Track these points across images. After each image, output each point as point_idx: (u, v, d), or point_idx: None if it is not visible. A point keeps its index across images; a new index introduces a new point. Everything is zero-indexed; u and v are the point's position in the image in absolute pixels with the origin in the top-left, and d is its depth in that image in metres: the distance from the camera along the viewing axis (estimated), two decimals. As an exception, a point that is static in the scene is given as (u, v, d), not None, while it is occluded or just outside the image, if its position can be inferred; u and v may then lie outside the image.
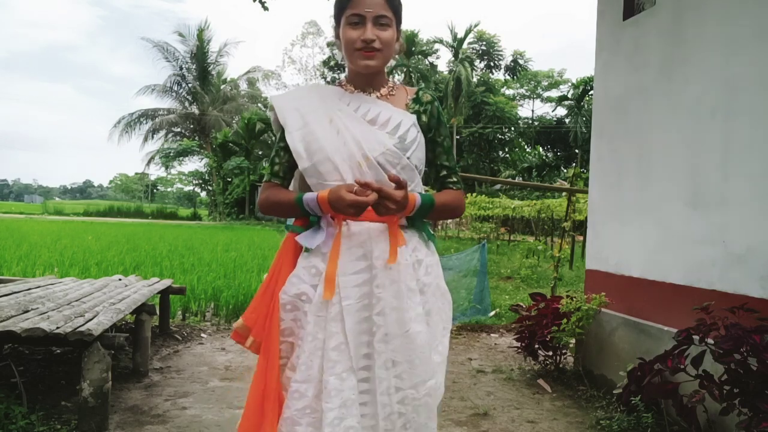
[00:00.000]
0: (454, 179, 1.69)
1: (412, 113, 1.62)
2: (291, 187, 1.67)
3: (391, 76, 1.75)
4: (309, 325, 1.49)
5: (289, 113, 1.60)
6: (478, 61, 40.84)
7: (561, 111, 39.89)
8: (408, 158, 1.55)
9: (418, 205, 1.52)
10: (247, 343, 1.59)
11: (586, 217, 4.87)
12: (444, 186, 1.69)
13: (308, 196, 1.51)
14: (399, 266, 1.50)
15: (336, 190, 1.44)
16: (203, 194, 54.14)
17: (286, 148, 1.59)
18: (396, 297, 1.49)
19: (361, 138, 1.53)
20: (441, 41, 39.04)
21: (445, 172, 1.68)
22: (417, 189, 1.61)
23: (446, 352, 1.62)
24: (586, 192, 4.86)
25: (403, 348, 1.48)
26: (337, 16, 1.58)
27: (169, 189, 78.58)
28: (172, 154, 43.85)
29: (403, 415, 1.48)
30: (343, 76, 1.70)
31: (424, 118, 1.64)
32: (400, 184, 1.44)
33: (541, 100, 42.67)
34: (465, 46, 38.94)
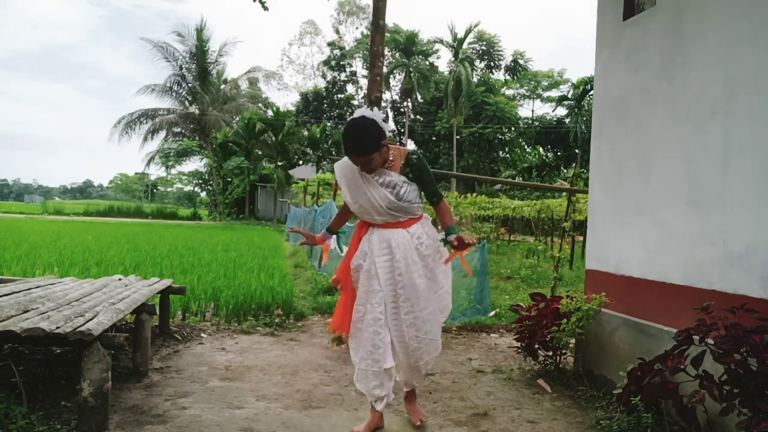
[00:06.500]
0: (439, 197, 2.93)
1: (404, 174, 2.82)
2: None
3: (392, 144, 2.91)
4: (362, 278, 2.91)
5: (340, 178, 2.88)
6: (478, 61, 40.83)
7: (561, 111, 39.89)
8: (400, 203, 2.81)
9: (454, 230, 2.85)
10: (339, 286, 3.08)
11: (586, 217, 4.87)
12: (435, 203, 2.94)
13: (329, 230, 3.22)
14: (407, 249, 2.82)
15: (311, 238, 3.21)
16: (203, 194, 54.08)
17: None
18: (406, 265, 2.81)
19: (376, 195, 2.80)
20: (441, 41, 39.03)
21: (434, 198, 2.93)
22: (416, 211, 2.90)
23: (449, 289, 3.04)
24: (586, 192, 4.86)
25: (413, 292, 2.82)
26: None
27: (169, 189, 78.40)
28: (172, 154, 43.85)
29: (414, 325, 2.84)
30: None
31: (411, 175, 2.83)
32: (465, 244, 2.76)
33: (541, 100, 42.64)
34: (465, 46, 38.93)
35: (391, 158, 2.83)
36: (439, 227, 3.03)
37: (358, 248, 2.94)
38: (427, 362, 2.94)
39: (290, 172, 32.82)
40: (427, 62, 40.44)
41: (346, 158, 2.84)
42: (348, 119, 2.94)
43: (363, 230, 2.97)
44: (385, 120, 2.81)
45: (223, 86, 40.11)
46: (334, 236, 3.21)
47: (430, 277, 2.89)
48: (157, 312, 4.59)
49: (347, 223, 3.34)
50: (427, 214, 3.11)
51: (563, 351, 4.08)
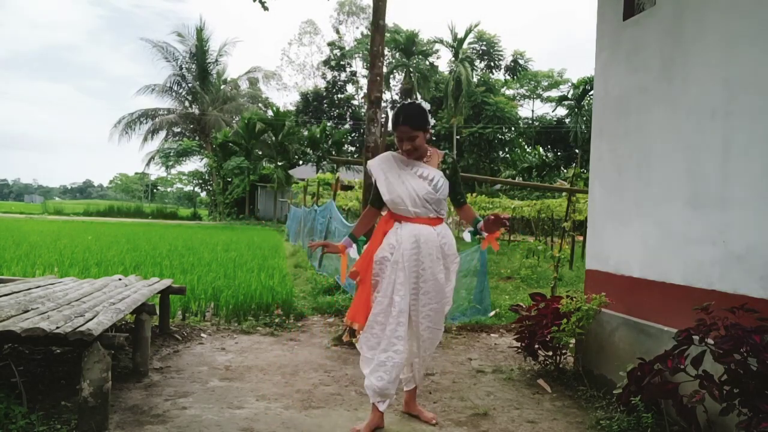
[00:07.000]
0: (465, 199, 3.17)
1: (441, 170, 3.02)
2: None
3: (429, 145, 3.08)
4: (387, 270, 2.96)
5: (377, 171, 3.05)
6: (478, 61, 40.82)
7: (561, 111, 39.90)
8: (437, 195, 2.97)
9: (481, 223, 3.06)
10: (357, 279, 3.05)
11: (586, 217, 4.87)
12: (461, 203, 3.15)
13: (351, 236, 3.21)
14: (434, 246, 2.95)
15: (333, 246, 3.21)
16: (203, 194, 54.09)
17: (377, 189, 3.07)
18: (430, 261, 2.95)
19: (414, 186, 2.96)
20: (441, 41, 39.02)
21: (461, 198, 3.15)
22: (443, 209, 3.03)
23: (453, 286, 3.15)
24: (586, 192, 4.86)
25: (433, 286, 2.98)
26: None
27: (169, 189, 78.38)
28: (172, 154, 43.86)
29: (429, 316, 3.01)
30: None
31: (448, 172, 3.05)
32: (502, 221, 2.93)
33: (541, 100, 42.64)
34: (465, 46, 38.91)
35: (429, 154, 3.05)
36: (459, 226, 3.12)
37: (383, 242, 3.01)
38: (431, 353, 3.13)
39: (290, 172, 32.81)
40: (427, 62, 40.42)
41: (381, 154, 3.13)
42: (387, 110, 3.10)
43: (389, 224, 3.05)
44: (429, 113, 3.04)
45: (223, 86, 40.11)
46: (355, 245, 3.21)
47: (445, 275, 3.06)
48: (157, 312, 4.59)
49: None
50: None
51: (563, 351, 4.08)
